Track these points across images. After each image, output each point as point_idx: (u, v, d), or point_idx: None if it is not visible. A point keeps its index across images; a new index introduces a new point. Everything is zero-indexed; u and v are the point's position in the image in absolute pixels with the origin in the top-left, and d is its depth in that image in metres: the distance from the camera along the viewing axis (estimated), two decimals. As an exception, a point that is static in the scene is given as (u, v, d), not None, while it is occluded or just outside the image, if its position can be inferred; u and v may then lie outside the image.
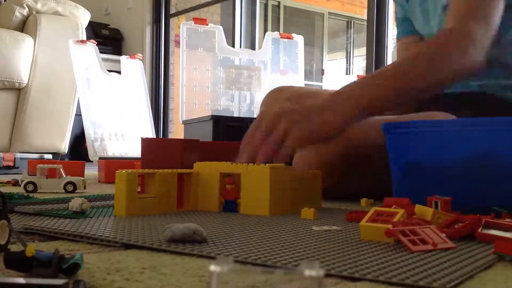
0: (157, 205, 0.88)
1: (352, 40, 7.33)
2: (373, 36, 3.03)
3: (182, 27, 3.04)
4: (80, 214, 0.84)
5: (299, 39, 3.34)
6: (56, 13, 2.47)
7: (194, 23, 3.07)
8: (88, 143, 2.41)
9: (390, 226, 0.63)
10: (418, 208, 0.73)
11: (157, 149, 1.41)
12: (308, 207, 0.87)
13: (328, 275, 0.49)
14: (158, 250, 0.61)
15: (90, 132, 2.40)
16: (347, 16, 7.25)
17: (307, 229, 0.74)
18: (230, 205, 0.92)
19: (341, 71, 7.22)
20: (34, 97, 2.55)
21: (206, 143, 1.63)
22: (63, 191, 1.36)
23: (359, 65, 8.09)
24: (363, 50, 8.12)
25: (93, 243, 0.66)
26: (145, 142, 1.43)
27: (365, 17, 7.45)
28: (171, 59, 4.84)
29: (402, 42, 1.62)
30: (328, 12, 7.12)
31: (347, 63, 7.30)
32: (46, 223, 0.76)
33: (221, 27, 3.20)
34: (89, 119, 2.44)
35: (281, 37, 3.29)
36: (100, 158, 2.01)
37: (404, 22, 1.59)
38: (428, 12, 1.46)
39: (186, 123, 2.68)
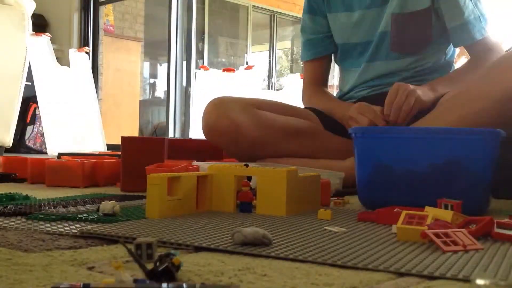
0: (181, 207, 0.93)
1: (275, 33, 7.49)
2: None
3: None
4: (111, 216, 0.88)
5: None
6: (1, 2, 2.39)
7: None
8: (47, 139, 2.36)
9: (425, 228, 0.72)
10: (434, 210, 0.83)
11: (138, 148, 1.43)
12: (310, 207, 0.97)
13: (407, 275, 0.57)
14: (231, 252, 0.66)
15: (48, 127, 2.35)
16: (271, 10, 7.40)
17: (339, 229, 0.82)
18: (246, 206, 0.98)
19: (264, 64, 7.36)
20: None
21: (182, 140, 1.67)
22: None
23: (281, 58, 8.27)
24: (285, 44, 8.30)
25: (160, 246, 0.70)
26: (126, 140, 1.45)
27: (288, 12, 7.55)
28: (99, 48, 4.74)
29: (309, 64, 1.82)
30: (252, 6, 7.23)
31: (270, 56, 7.45)
32: (93, 226, 0.78)
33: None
34: (48, 114, 2.38)
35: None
36: (62, 154, 1.99)
37: (309, 46, 1.79)
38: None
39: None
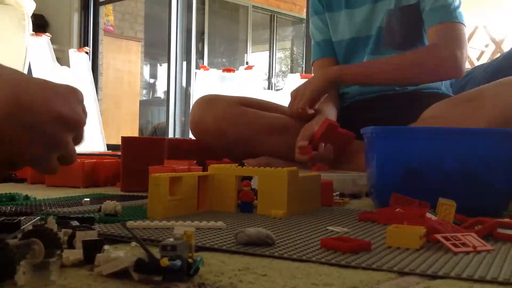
0: (182, 207, 0.93)
1: (275, 34, 7.49)
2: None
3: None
4: (113, 216, 0.87)
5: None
6: (1, 2, 2.39)
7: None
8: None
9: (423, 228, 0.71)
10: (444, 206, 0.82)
11: (138, 148, 1.43)
12: (309, 207, 0.98)
13: (410, 274, 0.57)
14: (231, 252, 0.66)
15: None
16: (271, 10, 7.40)
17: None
18: (247, 206, 0.98)
19: (264, 63, 7.36)
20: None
21: (182, 140, 1.67)
22: None
23: (281, 58, 8.27)
24: (285, 44, 8.30)
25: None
26: (126, 140, 1.44)
27: (288, 12, 7.55)
28: (99, 48, 4.74)
29: (318, 63, 1.81)
30: (252, 6, 7.23)
31: (270, 56, 7.45)
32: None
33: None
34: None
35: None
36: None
37: (320, 46, 1.80)
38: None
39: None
